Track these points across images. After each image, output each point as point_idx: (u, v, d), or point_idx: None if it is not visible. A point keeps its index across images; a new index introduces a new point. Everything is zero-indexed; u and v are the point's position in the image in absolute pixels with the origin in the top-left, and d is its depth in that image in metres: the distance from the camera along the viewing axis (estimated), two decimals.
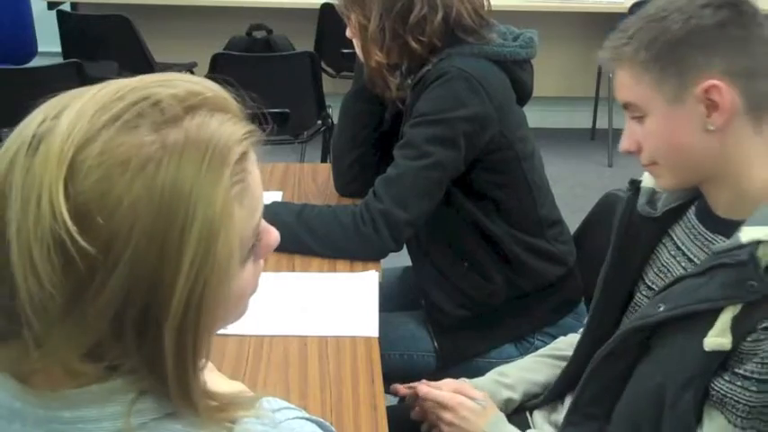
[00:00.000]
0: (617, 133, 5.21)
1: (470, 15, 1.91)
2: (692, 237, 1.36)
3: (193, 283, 0.75)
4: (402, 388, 1.70)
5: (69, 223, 0.72)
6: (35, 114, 0.78)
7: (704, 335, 1.19)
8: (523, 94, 2.01)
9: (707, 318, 1.19)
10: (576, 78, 5.29)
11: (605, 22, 4.99)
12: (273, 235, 0.89)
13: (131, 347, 0.76)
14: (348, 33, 1.97)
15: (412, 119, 1.91)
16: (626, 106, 1.33)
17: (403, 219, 1.87)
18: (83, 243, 0.72)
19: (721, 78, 1.23)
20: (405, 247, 2.07)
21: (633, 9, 4.65)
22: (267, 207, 2.05)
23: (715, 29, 1.25)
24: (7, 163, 0.76)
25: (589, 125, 5.33)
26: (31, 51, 4.39)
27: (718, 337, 1.18)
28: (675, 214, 1.42)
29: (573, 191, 4.31)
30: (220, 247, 0.76)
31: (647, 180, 1.45)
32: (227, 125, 0.79)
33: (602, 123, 5.21)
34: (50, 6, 4.73)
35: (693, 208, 1.39)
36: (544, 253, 2.02)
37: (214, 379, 0.89)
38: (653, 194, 1.44)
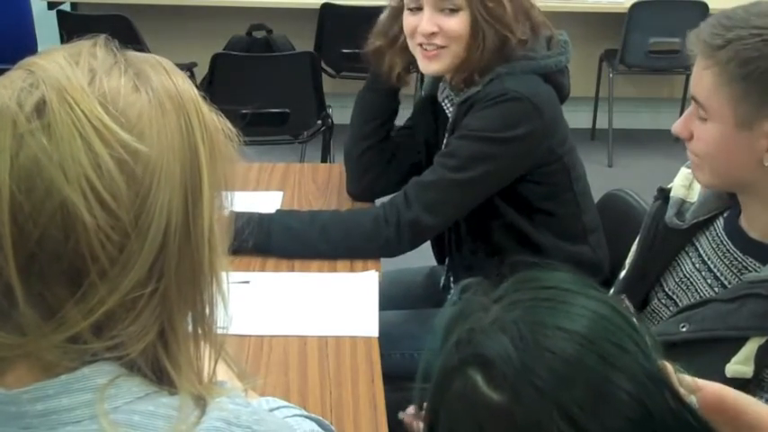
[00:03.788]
0: (617, 133, 5.17)
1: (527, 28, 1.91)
2: (719, 253, 1.35)
3: (210, 177, 0.83)
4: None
5: (122, 133, 0.77)
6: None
7: (725, 360, 1.18)
8: (563, 96, 2.02)
9: (730, 344, 1.18)
10: (576, 78, 5.25)
11: (605, 22, 4.99)
12: None
13: (170, 262, 0.81)
14: (432, 26, 1.86)
15: (460, 131, 1.91)
16: (694, 99, 1.28)
17: (428, 224, 1.88)
18: (138, 146, 0.77)
19: None
20: (405, 249, 2.09)
21: (633, 9, 4.65)
22: (272, 216, 2.04)
23: None
24: (10, 140, 0.76)
25: (589, 125, 5.33)
26: (31, 51, 4.36)
27: (740, 365, 1.17)
28: (702, 224, 1.40)
29: None
30: (220, 141, 0.86)
31: (676, 189, 1.43)
32: (160, 69, 0.88)
33: (602, 123, 5.20)
34: (50, 6, 4.73)
35: (721, 220, 1.37)
36: (587, 262, 2.01)
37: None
38: (681, 205, 1.42)
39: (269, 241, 1.87)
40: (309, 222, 1.92)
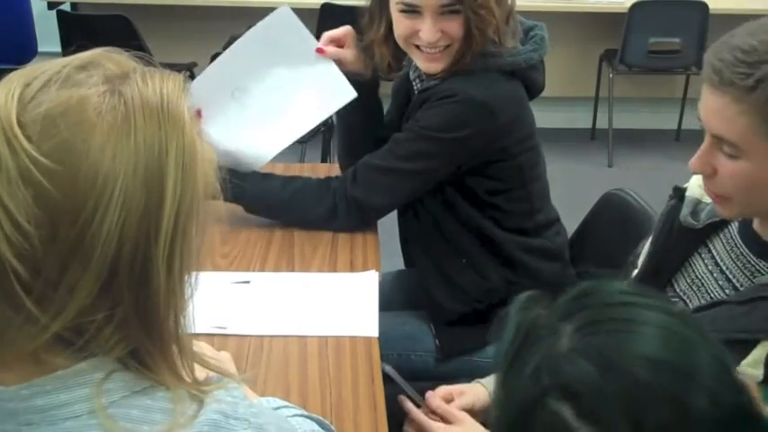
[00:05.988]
0: (617, 133, 5.17)
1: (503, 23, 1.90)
2: (732, 256, 1.34)
3: (178, 207, 0.79)
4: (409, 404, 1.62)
5: (26, 144, 0.74)
6: None
7: (735, 363, 1.18)
8: (535, 91, 2.01)
9: (740, 347, 1.18)
10: (576, 78, 5.29)
11: (605, 22, 4.99)
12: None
13: (123, 290, 0.78)
14: (436, 33, 1.85)
15: (412, 123, 1.95)
16: (717, 137, 1.22)
17: (370, 205, 1.98)
18: (44, 161, 0.74)
19: None
20: (401, 249, 2.09)
21: (633, 9, 4.66)
22: (251, 176, 2.06)
23: None
24: None
25: (589, 125, 5.33)
26: (31, 51, 4.37)
27: (750, 368, 1.17)
28: (716, 225, 1.39)
29: (573, 191, 4.32)
30: (198, 170, 0.82)
31: (692, 189, 1.42)
32: (167, 80, 0.83)
33: (602, 123, 5.20)
34: (50, 6, 4.73)
35: (736, 222, 1.36)
36: (542, 251, 2.03)
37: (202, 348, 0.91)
38: (697, 205, 1.41)
39: (242, 192, 1.96)
40: (281, 186, 2.02)
